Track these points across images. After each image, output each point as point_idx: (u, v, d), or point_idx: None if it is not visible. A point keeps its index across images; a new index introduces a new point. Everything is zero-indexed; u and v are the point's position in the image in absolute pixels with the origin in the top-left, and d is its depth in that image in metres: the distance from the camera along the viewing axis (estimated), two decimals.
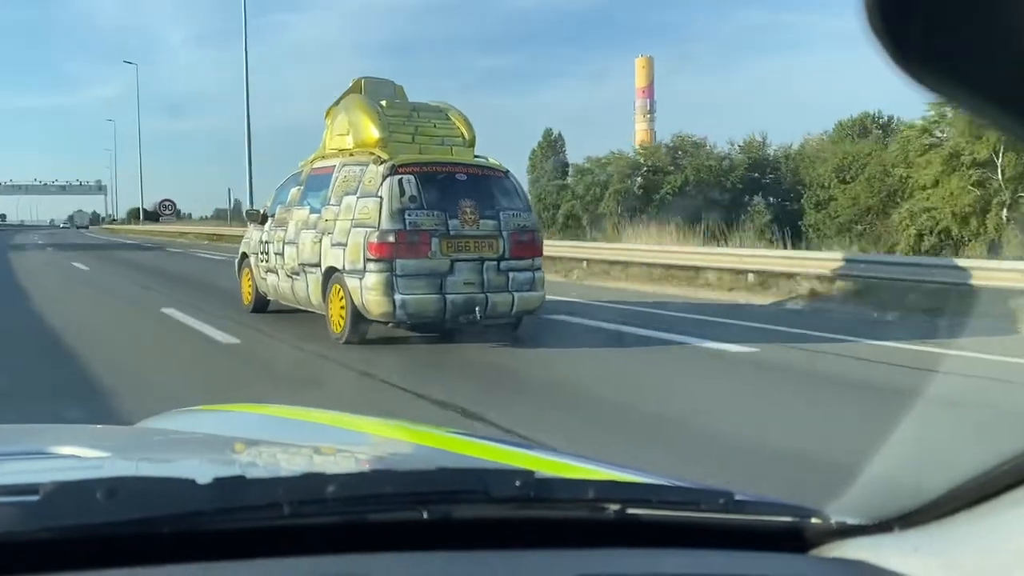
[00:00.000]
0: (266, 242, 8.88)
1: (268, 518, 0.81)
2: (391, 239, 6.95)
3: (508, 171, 7.84)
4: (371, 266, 6.98)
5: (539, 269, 7.59)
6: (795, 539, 0.94)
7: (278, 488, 0.84)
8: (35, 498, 0.77)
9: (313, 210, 8.02)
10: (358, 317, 7.17)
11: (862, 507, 0.94)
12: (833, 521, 0.94)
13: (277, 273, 8.56)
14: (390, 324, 7.29)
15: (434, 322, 7.32)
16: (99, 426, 2.50)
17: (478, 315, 7.07)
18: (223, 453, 1.44)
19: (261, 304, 9.24)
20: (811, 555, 0.93)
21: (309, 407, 2.05)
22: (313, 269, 7.76)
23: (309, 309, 8.13)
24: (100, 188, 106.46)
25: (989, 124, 0.55)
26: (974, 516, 0.83)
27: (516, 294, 7.31)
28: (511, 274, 7.31)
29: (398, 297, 6.92)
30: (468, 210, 7.15)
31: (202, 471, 0.97)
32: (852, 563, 0.88)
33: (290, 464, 1.38)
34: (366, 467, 1.28)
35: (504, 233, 7.30)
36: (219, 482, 0.82)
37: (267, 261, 8.81)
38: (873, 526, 0.90)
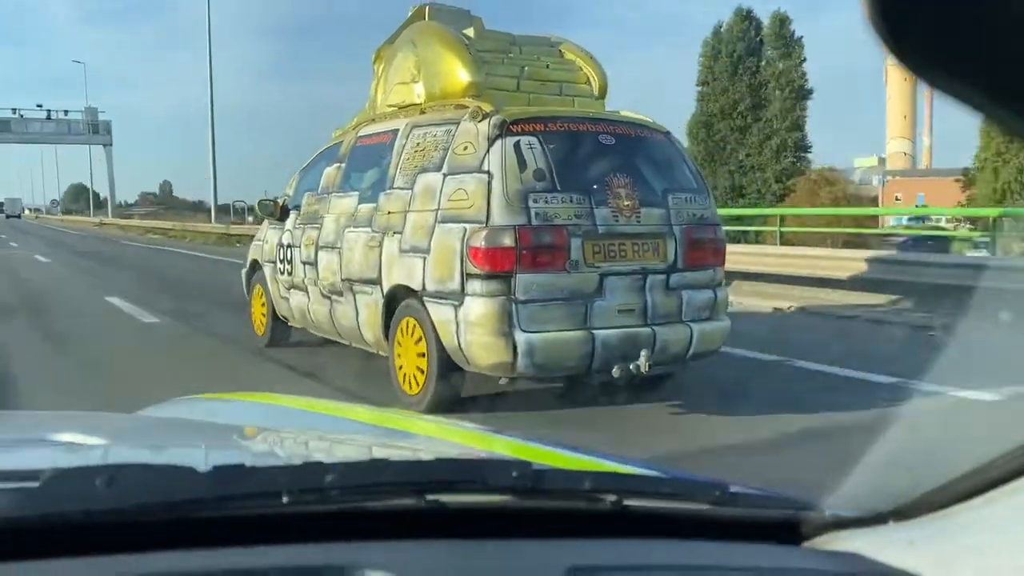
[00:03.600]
0: (288, 246, 6.27)
1: (267, 506, 0.81)
2: (508, 241, 4.34)
3: (669, 132, 5.19)
4: (475, 285, 4.39)
5: (721, 285, 4.99)
6: (790, 531, 0.94)
7: (277, 476, 0.85)
8: (35, 484, 0.77)
9: (364, 198, 5.43)
10: (450, 368, 4.60)
11: (857, 499, 0.95)
12: (828, 513, 0.94)
13: (306, 291, 5.98)
14: (503, 380, 4.60)
15: (574, 375, 4.65)
16: (99, 413, 2.51)
17: (644, 363, 4.41)
18: (223, 441, 1.44)
19: (281, 333, 6.73)
20: (805, 547, 0.93)
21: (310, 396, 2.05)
22: (368, 288, 5.18)
23: (358, 345, 5.60)
24: (96, 129, 60.58)
25: (993, 121, 0.55)
26: (969, 509, 0.83)
27: (694, 326, 4.71)
28: (685, 294, 4.71)
29: (520, 337, 4.31)
30: (622, 193, 4.58)
31: (202, 459, 0.97)
32: (846, 555, 0.89)
33: (289, 453, 1.39)
34: (365, 456, 1.28)
35: (675, 229, 4.72)
36: (218, 470, 0.83)
37: (290, 273, 6.23)
38: (868, 518, 0.91)
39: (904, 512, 0.89)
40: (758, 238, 21.16)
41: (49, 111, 59.64)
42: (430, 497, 0.86)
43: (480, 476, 0.90)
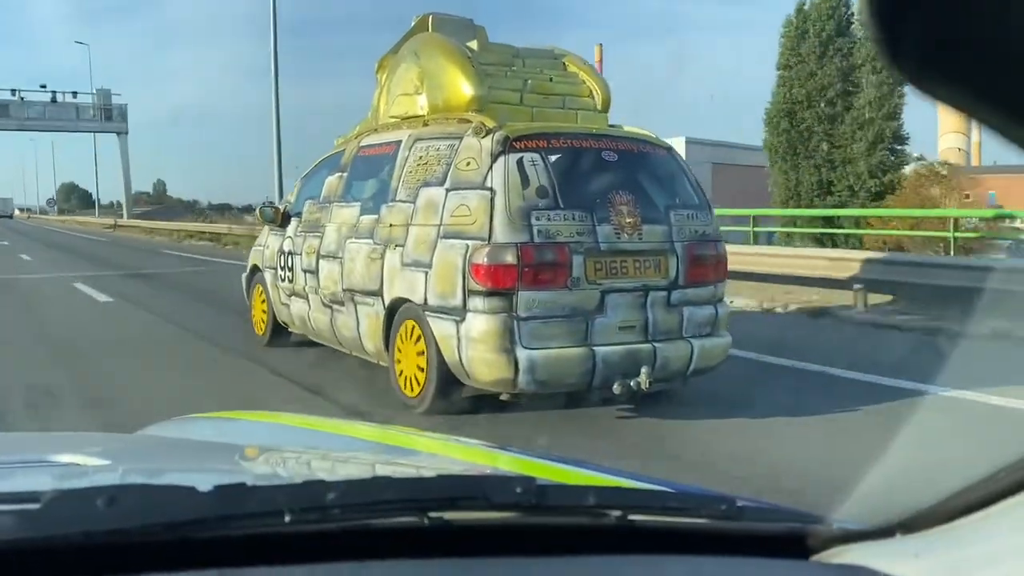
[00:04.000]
0: (289, 253, 6.36)
1: (269, 525, 0.81)
2: (510, 258, 4.39)
3: (671, 147, 5.29)
4: (477, 302, 4.44)
5: (722, 301, 5.07)
6: (797, 545, 0.94)
7: (279, 495, 0.84)
8: (36, 506, 0.77)
9: (366, 209, 5.50)
10: (450, 380, 4.68)
11: (864, 512, 0.94)
12: (835, 527, 0.94)
13: (307, 299, 6.08)
14: (504, 396, 4.65)
15: (575, 390, 4.66)
16: (100, 434, 2.50)
17: (644, 380, 4.48)
18: (224, 460, 1.44)
19: (280, 335, 6.87)
20: (813, 561, 0.93)
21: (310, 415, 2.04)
22: (369, 299, 5.27)
23: (357, 354, 5.72)
24: (108, 114, 50.85)
25: (992, 130, 0.55)
26: (976, 521, 0.83)
27: (695, 342, 4.76)
28: (686, 310, 4.77)
29: (522, 353, 4.37)
30: (624, 210, 4.64)
31: (203, 479, 0.97)
32: (854, 568, 0.88)
33: (291, 471, 1.38)
34: (367, 474, 1.28)
35: (677, 246, 4.77)
36: (220, 489, 0.82)
37: (291, 280, 6.32)
38: (875, 531, 0.90)
39: (911, 524, 0.88)
40: (848, 241, 18.89)
41: (54, 92, 49.97)
42: (433, 514, 0.85)
43: (483, 493, 0.89)
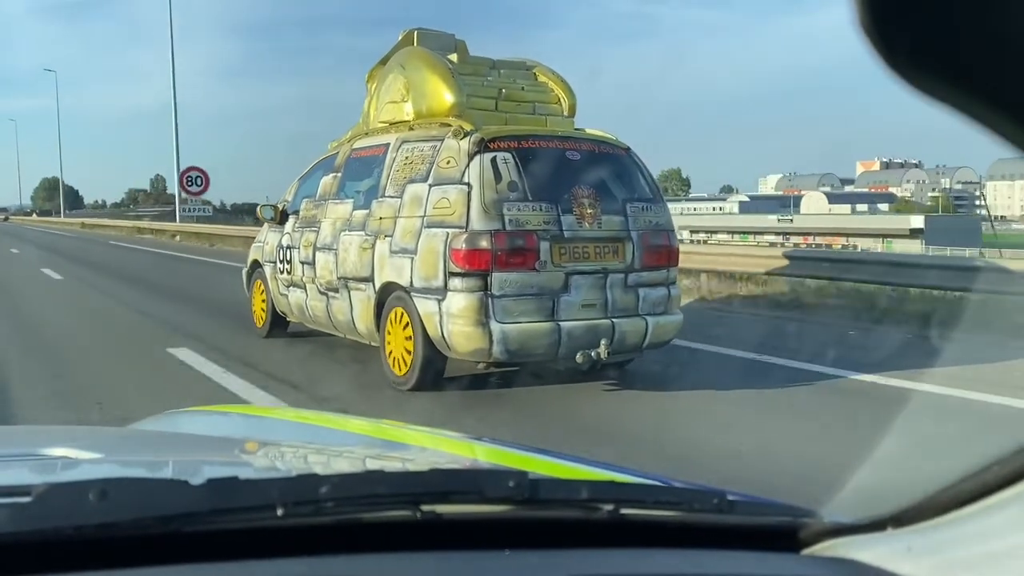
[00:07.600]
0: (288, 247, 6.88)
1: (262, 519, 0.81)
2: (485, 244, 4.98)
3: (629, 148, 5.82)
4: (456, 282, 5.03)
5: (674, 283, 5.67)
6: (788, 539, 0.94)
7: (272, 489, 0.84)
8: (27, 499, 0.76)
9: (358, 205, 6.07)
10: (433, 354, 5.25)
11: (855, 507, 0.95)
12: (826, 520, 0.94)
13: (304, 288, 6.60)
14: (481, 365, 5.44)
15: (543, 361, 5.34)
16: (92, 427, 2.50)
17: (603, 351, 5.07)
18: (216, 454, 1.43)
19: (279, 326, 7.37)
20: (804, 555, 0.93)
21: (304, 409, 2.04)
22: (361, 285, 5.82)
23: (351, 337, 6.28)
24: None
25: (986, 129, 0.55)
26: (966, 515, 0.83)
27: (649, 319, 5.37)
28: (642, 291, 5.38)
29: (495, 327, 4.96)
30: (586, 202, 5.24)
31: (195, 472, 0.96)
32: (845, 562, 0.89)
33: (283, 465, 1.38)
34: (359, 468, 1.28)
35: (633, 234, 5.38)
36: (212, 483, 0.82)
37: (289, 272, 6.84)
38: (866, 525, 0.91)
39: (902, 518, 0.88)
40: None
41: None
42: (425, 508, 0.85)
43: (476, 486, 0.89)
